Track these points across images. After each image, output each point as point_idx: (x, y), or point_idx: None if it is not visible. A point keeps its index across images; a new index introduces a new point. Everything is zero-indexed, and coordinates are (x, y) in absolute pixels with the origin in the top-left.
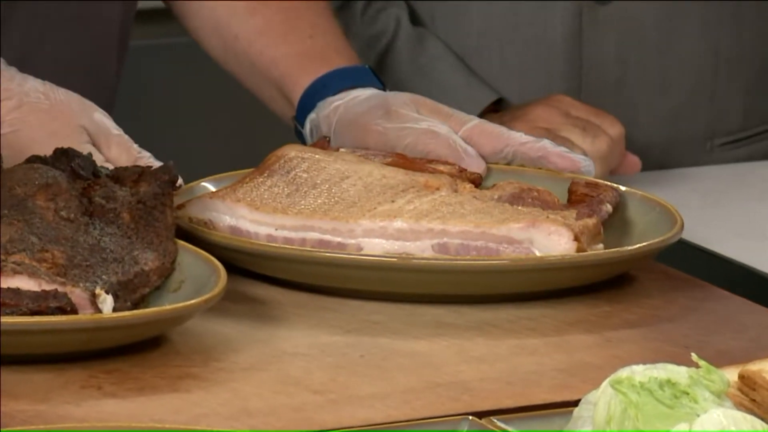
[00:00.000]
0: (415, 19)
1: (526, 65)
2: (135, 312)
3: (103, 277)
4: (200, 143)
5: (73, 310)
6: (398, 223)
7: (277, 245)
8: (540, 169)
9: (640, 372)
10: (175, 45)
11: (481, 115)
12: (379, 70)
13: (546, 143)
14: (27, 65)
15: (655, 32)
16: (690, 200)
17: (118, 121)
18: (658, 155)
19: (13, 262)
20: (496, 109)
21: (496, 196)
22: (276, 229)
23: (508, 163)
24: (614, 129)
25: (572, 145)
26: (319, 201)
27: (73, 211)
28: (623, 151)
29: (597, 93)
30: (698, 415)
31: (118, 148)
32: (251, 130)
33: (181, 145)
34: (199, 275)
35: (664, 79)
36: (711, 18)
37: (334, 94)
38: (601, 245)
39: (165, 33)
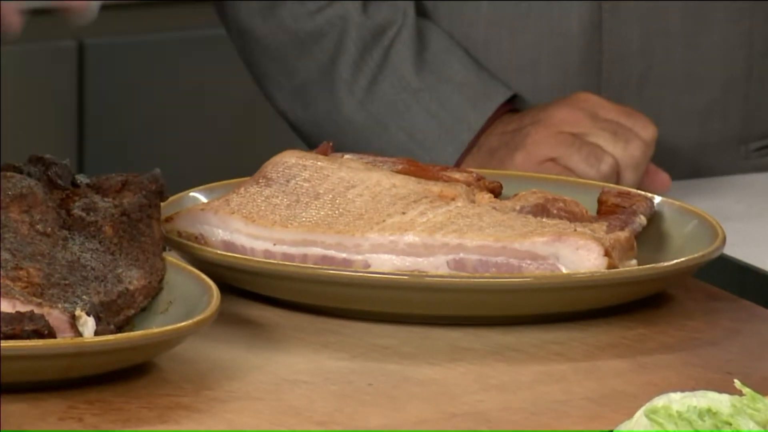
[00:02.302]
0: (418, 10)
1: (540, 59)
2: (119, 336)
3: (84, 297)
4: (190, 149)
5: (51, 334)
6: (410, 237)
7: (275, 262)
8: (567, 177)
9: (677, 400)
10: (162, 40)
11: (497, 116)
12: (383, 66)
13: None
14: None
15: (682, 22)
16: (732, 211)
17: (99, 123)
18: (687, 160)
19: None
20: (514, 109)
21: (517, 207)
22: (274, 244)
23: None
24: (647, 131)
25: (602, 151)
26: (322, 213)
27: (50, 225)
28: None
29: (618, 90)
30: None
31: None
32: (246, 134)
33: (168, 150)
34: (189, 295)
35: (691, 74)
36: (743, 6)
37: None
38: (634, 261)
39: (151, 28)
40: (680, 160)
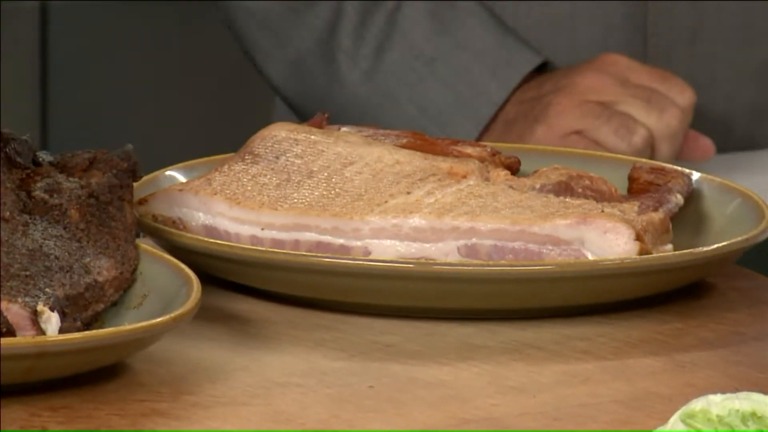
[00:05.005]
0: None
1: (577, 12)
2: (87, 333)
3: (47, 290)
4: (166, 122)
5: (10, 332)
6: (415, 221)
7: (263, 249)
8: (593, 152)
9: (718, 403)
10: (135, 1)
11: (520, 84)
12: (390, 32)
13: None
14: None
15: None
16: None
17: (64, 94)
18: (743, 126)
19: None
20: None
21: (537, 186)
22: (262, 229)
23: None
24: (684, 97)
25: (634, 122)
26: (316, 193)
27: (9, 208)
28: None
29: (665, 47)
30: None
31: None
32: (230, 105)
33: (142, 124)
34: (166, 287)
35: (748, 26)
36: None
37: None
38: (669, 246)
39: None
40: (735, 126)
